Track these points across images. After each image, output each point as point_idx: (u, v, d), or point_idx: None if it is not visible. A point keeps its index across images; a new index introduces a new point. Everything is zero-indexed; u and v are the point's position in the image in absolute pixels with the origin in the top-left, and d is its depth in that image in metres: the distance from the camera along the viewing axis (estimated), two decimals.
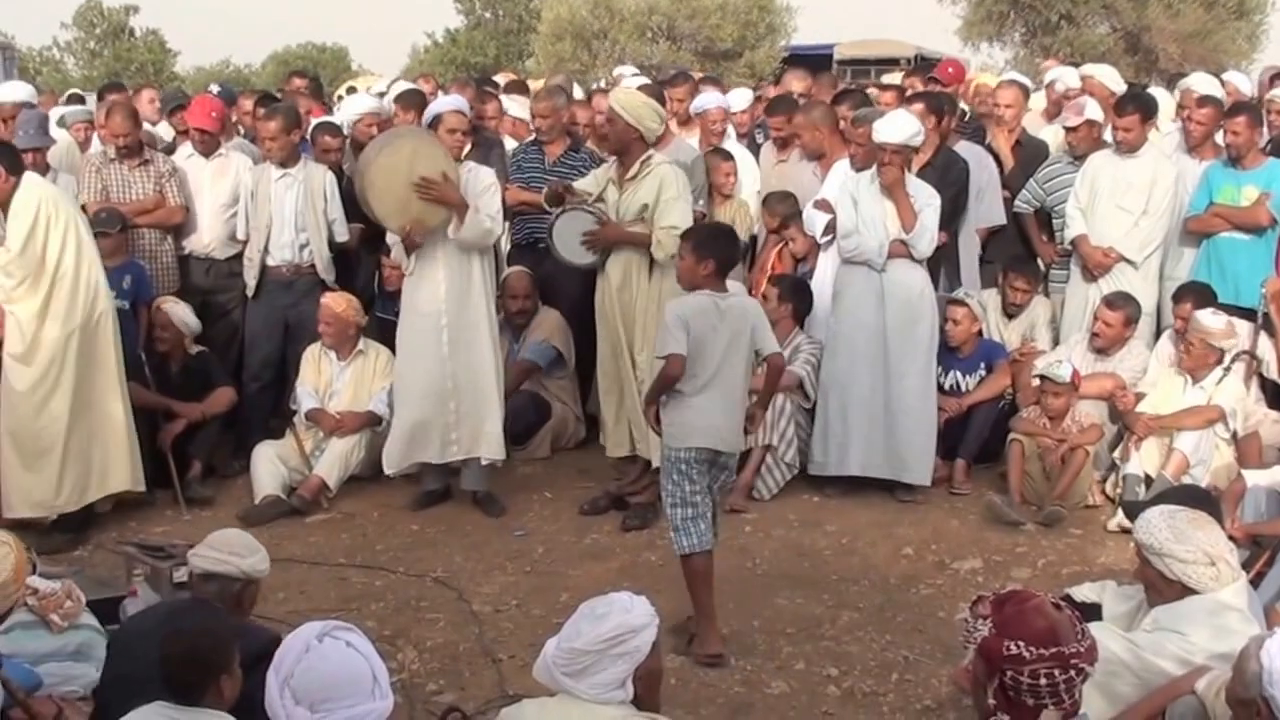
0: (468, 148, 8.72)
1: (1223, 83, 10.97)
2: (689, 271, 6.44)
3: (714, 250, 6.43)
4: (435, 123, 8.25)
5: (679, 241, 6.82)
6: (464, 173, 8.18)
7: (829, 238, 8.87)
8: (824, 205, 8.95)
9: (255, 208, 9.33)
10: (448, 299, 8.18)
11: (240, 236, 9.49)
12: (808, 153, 9.18)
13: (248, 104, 11.22)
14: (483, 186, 8.18)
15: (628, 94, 8.44)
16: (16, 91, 10.83)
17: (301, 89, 12.35)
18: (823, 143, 9.09)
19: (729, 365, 6.36)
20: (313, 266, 9.40)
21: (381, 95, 11.27)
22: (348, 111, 10.67)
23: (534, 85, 13.06)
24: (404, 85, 12.02)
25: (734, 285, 8.94)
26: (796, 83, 11.91)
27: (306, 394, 8.94)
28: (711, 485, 6.45)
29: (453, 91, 10.54)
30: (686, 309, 6.33)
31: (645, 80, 12.04)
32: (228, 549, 5.23)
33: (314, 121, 10.45)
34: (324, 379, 9.04)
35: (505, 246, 9.94)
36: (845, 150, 9.25)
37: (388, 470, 8.50)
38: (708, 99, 10.32)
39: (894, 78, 11.31)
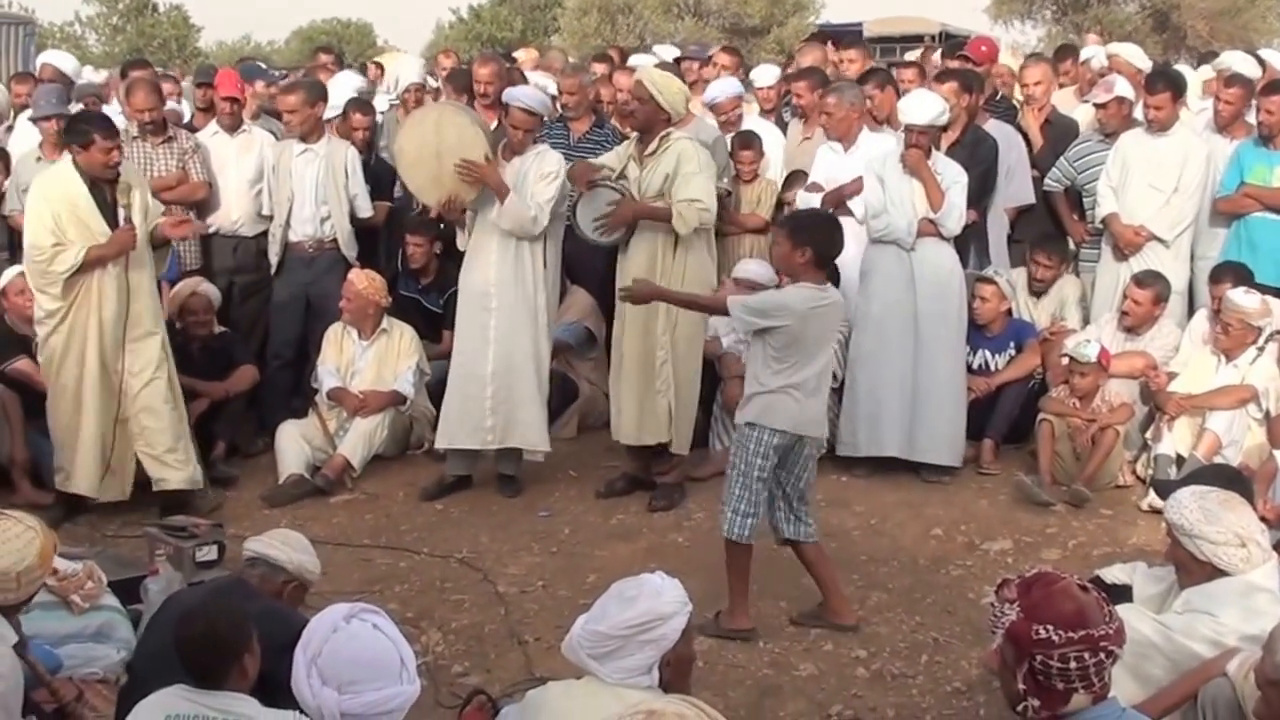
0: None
1: (1261, 61, 10.82)
2: (785, 259, 6.30)
3: (810, 238, 6.18)
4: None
5: (703, 215, 6.78)
6: (531, 155, 8.12)
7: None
8: (815, 188, 8.94)
9: (277, 183, 9.33)
10: (497, 282, 8.13)
11: (265, 212, 9.48)
12: (833, 134, 9.10)
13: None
14: (541, 173, 8.07)
15: (661, 74, 8.38)
16: (60, 60, 10.93)
17: (328, 65, 12.34)
18: (850, 125, 8.99)
19: (822, 357, 6.32)
20: (335, 242, 9.38)
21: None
22: (404, 75, 10.66)
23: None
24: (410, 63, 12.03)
25: (761, 264, 9.01)
26: (809, 56, 11.73)
27: (328, 373, 8.91)
28: (787, 475, 6.33)
29: (477, 67, 10.47)
30: (800, 300, 6.15)
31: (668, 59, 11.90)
32: (282, 539, 5.24)
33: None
34: (346, 358, 9.01)
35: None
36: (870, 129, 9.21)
37: (439, 444, 8.46)
38: (719, 88, 10.14)
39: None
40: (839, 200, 8.85)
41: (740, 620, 6.33)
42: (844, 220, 8.78)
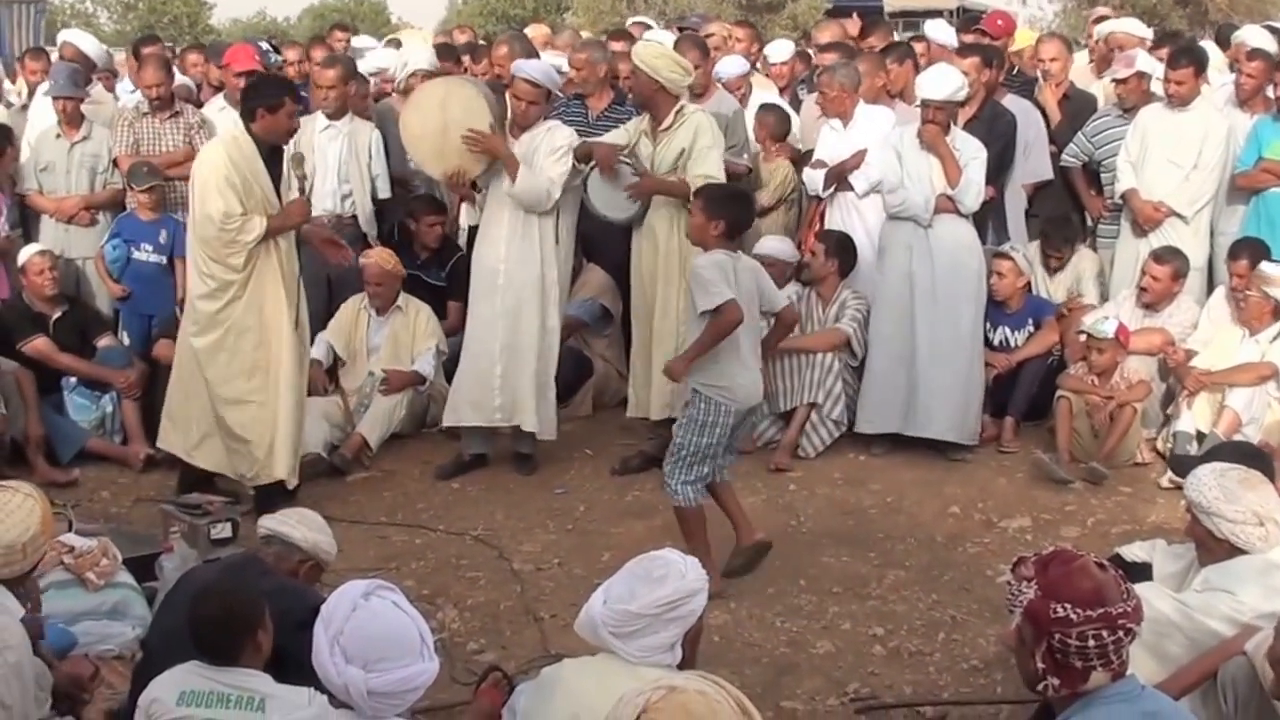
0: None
1: (1278, 34, 10.73)
2: (700, 230, 6.55)
3: (725, 210, 6.52)
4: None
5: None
6: (542, 130, 8.06)
7: (829, 191, 8.90)
8: (819, 165, 8.93)
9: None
10: (507, 259, 8.08)
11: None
12: (828, 112, 9.04)
13: (292, 54, 11.17)
14: (553, 147, 8.00)
15: (646, 46, 8.42)
16: (82, 41, 10.93)
17: (344, 42, 12.30)
18: (845, 104, 8.92)
19: (751, 320, 6.54)
20: (354, 219, 9.35)
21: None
22: (412, 60, 10.60)
23: None
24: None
25: (782, 241, 8.97)
26: (827, 32, 11.62)
27: (320, 341, 8.86)
28: (732, 441, 6.69)
29: (497, 47, 10.42)
30: (716, 261, 6.43)
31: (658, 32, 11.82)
32: (298, 517, 5.22)
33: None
34: (359, 333, 9.00)
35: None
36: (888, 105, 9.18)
37: (445, 422, 8.46)
38: (726, 65, 10.08)
39: (937, 26, 11.06)
40: (839, 176, 8.83)
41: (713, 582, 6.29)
42: (847, 195, 8.88)
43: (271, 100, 7.31)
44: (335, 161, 9.25)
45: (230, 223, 7.25)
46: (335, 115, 9.27)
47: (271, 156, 7.43)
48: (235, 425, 7.50)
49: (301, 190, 7.53)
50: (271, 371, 7.50)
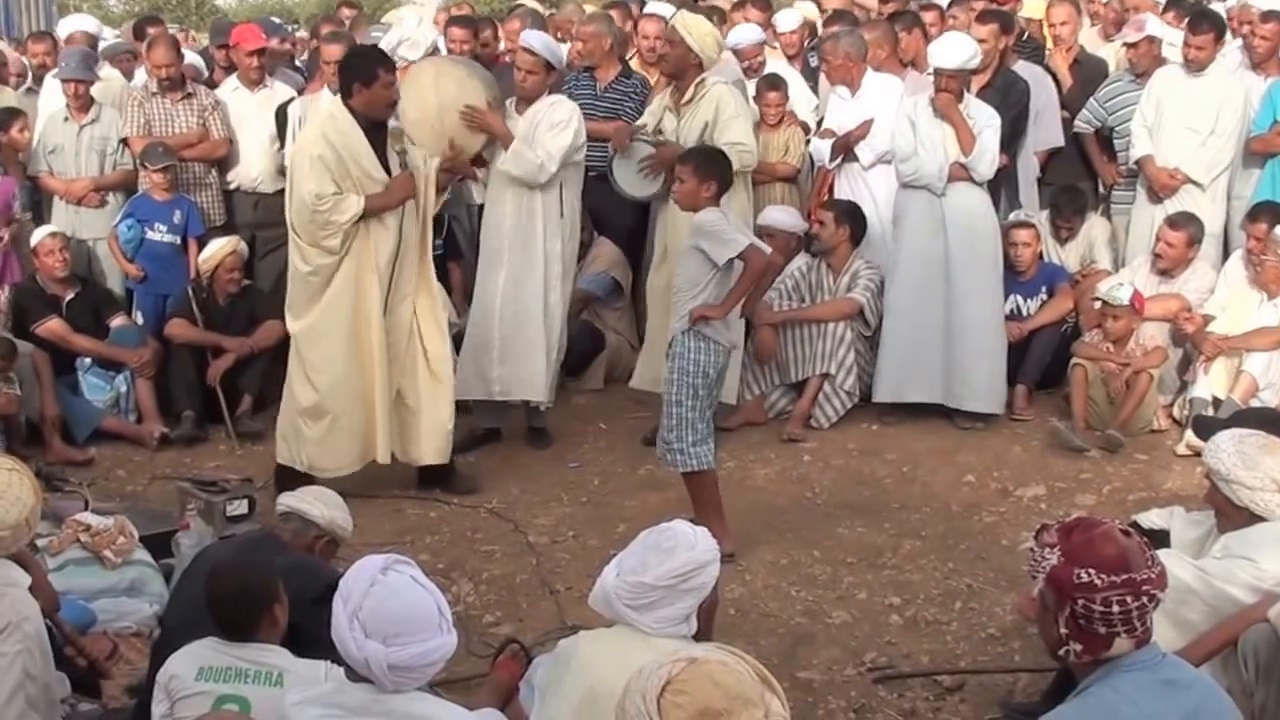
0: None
1: None
2: (692, 193, 6.54)
3: (715, 171, 6.55)
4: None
5: (745, 158, 7.14)
6: (545, 105, 8.00)
7: (837, 161, 8.89)
8: (827, 134, 8.91)
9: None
10: (511, 233, 8.05)
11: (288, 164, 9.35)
12: (832, 80, 9.01)
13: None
14: (552, 121, 7.91)
15: (694, 19, 8.32)
16: (85, 24, 10.88)
17: (352, 19, 12.24)
18: (851, 72, 8.88)
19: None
20: None
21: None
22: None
23: None
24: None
25: (787, 212, 8.95)
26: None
27: None
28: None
29: (510, 22, 10.37)
30: (717, 215, 6.52)
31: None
32: (316, 494, 5.22)
33: None
34: None
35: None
36: (901, 73, 9.13)
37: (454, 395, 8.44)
38: (742, 33, 10.03)
39: None
40: (846, 146, 8.81)
41: (726, 544, 6.24)
42: (852, 166, 8.85)
43: (365, 74, 7.05)
44: None
45: (322, 203, 7.05)
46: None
47: (375, 131, 7.20)
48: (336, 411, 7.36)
49: (403, 165, 7.31)
50: (362, 356, 7.32)
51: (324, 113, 7.53)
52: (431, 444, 7.51)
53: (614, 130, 8.13)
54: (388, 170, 7.24)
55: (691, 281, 6.49)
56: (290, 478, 7.15)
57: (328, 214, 7.07)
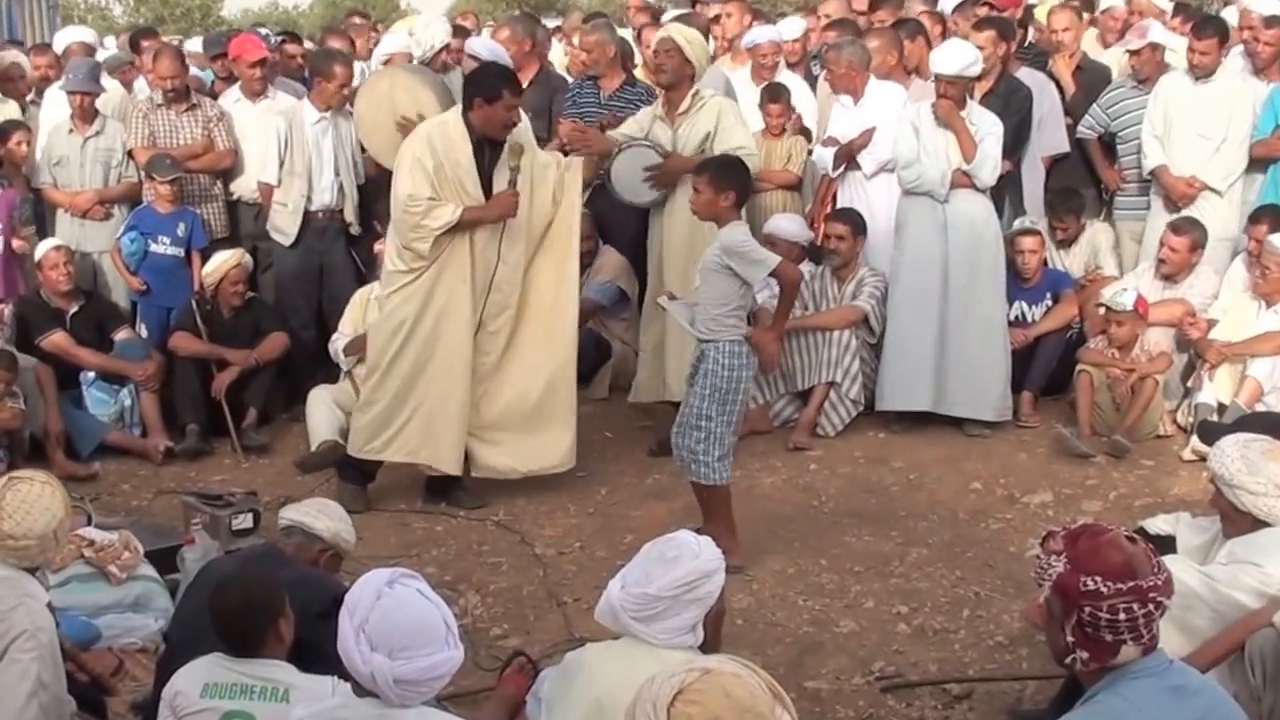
0: None
1: None
2: (710, 204, 6.47)
3: (733, 181, 6.49)
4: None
5: (751, 161, 7.09)
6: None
7: (840, 170, 8.85)
8: (831, 142, 8.88)
9: (296, 151, 9.11)
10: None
11: (270, 179, 9.26)
12: (836, 89, 9.00)
13: (293, 49, 11.08)
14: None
15: (689, 30, 8.33)
16: (84, 35, 10.90)
17: (360, 28, 12.25)
18: (854, 81, 8.88)
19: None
20: (342, 211, 9.26)
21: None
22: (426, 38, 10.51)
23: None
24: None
25: (792, 220, 8.93)
26: (832, 6, 11.53)
27: (341, 336, 8.74)
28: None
29: (499, 30, 10.36)
30: (744, 232, 6.50)
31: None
32: (319, 507, 5.21)
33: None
34: (370, 321, 8.94)
35: None
36: (906, 82, 9.13)
37: None
38: (760, 32, 10.07)
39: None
40: (849, 155, 8.79)
41: (737, 555, 6.25)
42: (856, 175, 8.84)
43: (490, 92, 7.03)
44: (330, 155, 9.14)
45: (414, 205, 7.06)
46: (339, 108, 9.13)
47: (487, 148, 7.19)
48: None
49: (512, 183, 7.24)
50: (434, 366, 7.34)
51: (438, 117, 7.48)
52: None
53: (595, 142, 8.07)
54: (488, 190, 7.20)
55: (722, 298, 6.41)
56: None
57: (418, 217, 7.08)
